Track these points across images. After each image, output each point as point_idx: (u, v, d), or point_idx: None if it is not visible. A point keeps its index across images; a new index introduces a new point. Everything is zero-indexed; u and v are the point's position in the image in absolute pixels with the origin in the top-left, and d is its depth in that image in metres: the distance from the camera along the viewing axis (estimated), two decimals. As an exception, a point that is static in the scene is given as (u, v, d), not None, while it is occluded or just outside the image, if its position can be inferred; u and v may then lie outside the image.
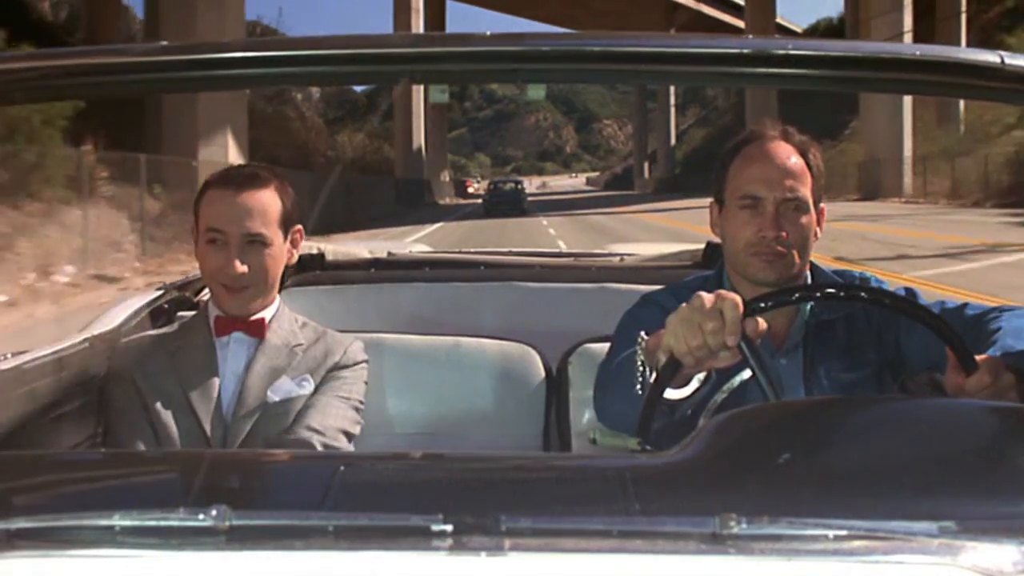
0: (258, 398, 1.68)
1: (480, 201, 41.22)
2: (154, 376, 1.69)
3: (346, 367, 1.76)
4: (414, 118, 50.61)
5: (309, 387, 1.72)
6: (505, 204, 33.31)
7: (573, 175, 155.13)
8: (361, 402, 1.77)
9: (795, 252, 1.53)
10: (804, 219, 1.53)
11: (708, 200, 1.64)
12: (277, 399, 1.69)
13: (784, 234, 1.51)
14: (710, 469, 0.80)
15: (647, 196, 55.43)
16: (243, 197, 1.65)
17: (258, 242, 1.65)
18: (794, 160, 1.54)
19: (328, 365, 1.74)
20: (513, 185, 38.17)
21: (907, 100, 35.07)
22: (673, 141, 73.06)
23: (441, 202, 51.13)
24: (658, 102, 73.09)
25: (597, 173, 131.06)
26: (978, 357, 1.25)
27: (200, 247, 1.67)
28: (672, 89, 66.58)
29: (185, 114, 20.51)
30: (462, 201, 56.38)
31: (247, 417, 1.67)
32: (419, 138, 51.48)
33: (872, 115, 38.15)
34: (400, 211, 35.42)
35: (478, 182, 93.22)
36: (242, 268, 1.64)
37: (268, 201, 1.67)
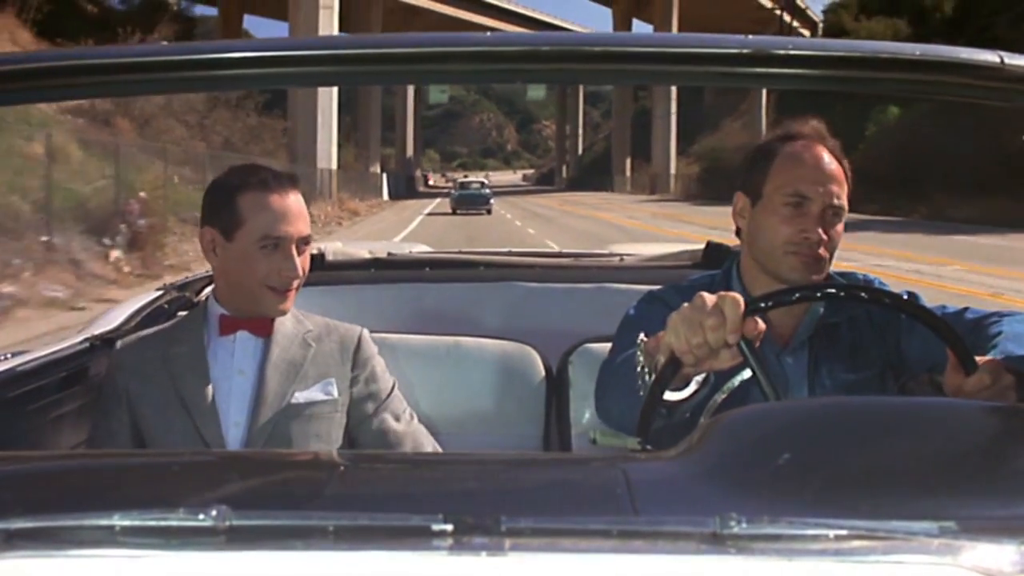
0: (277, 395, 1.67)
1: (440, 189, 61.18)
2: (148, 379, 1.67)
3: (369, 361, 1.77)
4: (408, 130, 78.99)
5: (333, 392, 1.71)
6: (471, 204, 36.20)
7: (513, 172, 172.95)
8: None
9: (830, 256, 1.53)
10: (839, 226, 1.53)
11: (591, 194, 1.63)
12: (302, 401, 1.68)
13: (827, 237, 1.51)
14: (710, 469, 0.80)
15: (561, 189, 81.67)
16: (292, 199, 1.66)
17: (305, 243, 1.68)
18: (836, 166, 1.54)
19: (348, 363, 1.74)
20: (479, 186, 39.94)
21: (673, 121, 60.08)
22: (581, 151, 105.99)
23: (421, 190, 76.87)
24: (569, 121, 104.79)
25: (532, 171, 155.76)
26: (978, 358, 1.25)
27: (245, 252, 1.64)
28: (581, 110, 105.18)
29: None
30: (430, 189, 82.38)
31: (270, 418, 1.65)
32: (410, 147, 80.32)
33: (657, 137, 62.02)
34: (407, 194, 59.65)
35: (432, 174, 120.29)
36: (300, 269, 1.66)
37: (303, 202, 1.70)
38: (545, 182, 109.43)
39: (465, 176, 61.25)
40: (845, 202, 1.53)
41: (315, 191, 28.89)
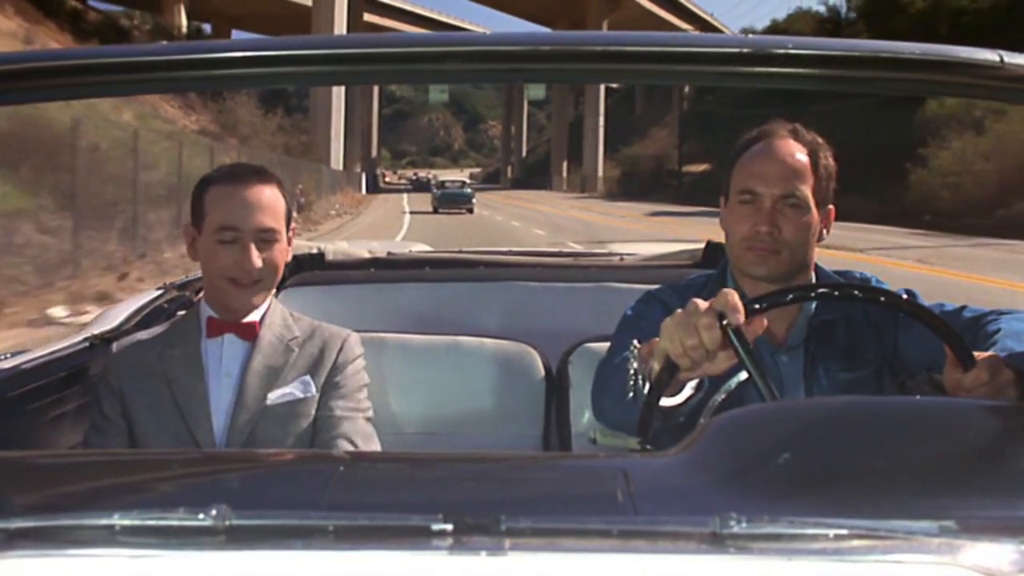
0: (257, 399, 1.67)
1: (396, 185, 67.76)
2: (142, 381, 1.67)
3: (347, 364, 1.75)
4: (373, 131, 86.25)
5: (312, 390, 1.70)
6: (453, 203, 35.96)
7: (460, 170, 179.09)
8: (370, 406, 1.78)
9: (790, 250, 1.52)
10: (802, 218, 1.53)
11: (531, 192, 1.64)
12: (278, 401, 1.67)
13: (779, 230, 1.51)
14: (710, 469, 0.80)
15: (506, 188, 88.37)
16: (254, 192, 1.64)
17: (269, 238, 1.65)
18: (798, 157, 1.54)
19: (328, 364, 1.73)
20: (460, 185, 39.74)
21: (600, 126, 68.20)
22: (524, 153, 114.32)
23: (382, 185, 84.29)
24: (514, 123, 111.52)
25: (479, 169, 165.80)
26: (976, 355, 1.25)
27: (207, 245, 1.65)
28: (525, 113, 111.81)
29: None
30: (388, 186, 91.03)
31: (248, 420, 1.65)
32: (374, 146, 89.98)
33: (588, 144, 70.81)
34: (375, 190, 67.43)
35: (388, 172, 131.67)
36: (258, 262, 1.63)
37: (275, 196, 1.67)
38: (491, 180, 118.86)
39: (415, 175, 70.35)
40: (807, 194, 1.53)
41: (333, 186, 41.48)
